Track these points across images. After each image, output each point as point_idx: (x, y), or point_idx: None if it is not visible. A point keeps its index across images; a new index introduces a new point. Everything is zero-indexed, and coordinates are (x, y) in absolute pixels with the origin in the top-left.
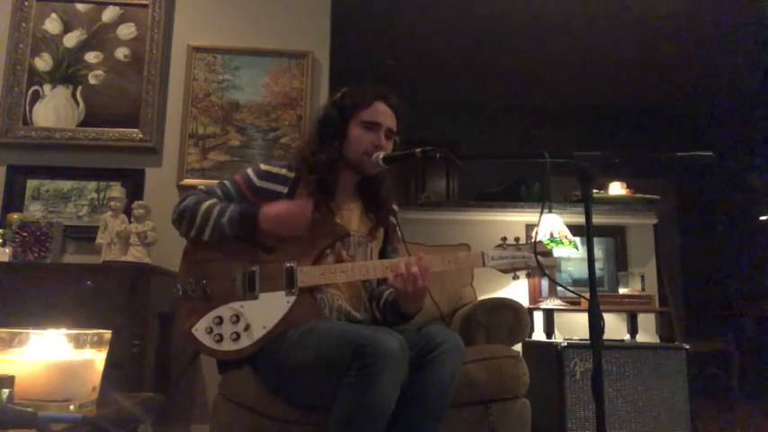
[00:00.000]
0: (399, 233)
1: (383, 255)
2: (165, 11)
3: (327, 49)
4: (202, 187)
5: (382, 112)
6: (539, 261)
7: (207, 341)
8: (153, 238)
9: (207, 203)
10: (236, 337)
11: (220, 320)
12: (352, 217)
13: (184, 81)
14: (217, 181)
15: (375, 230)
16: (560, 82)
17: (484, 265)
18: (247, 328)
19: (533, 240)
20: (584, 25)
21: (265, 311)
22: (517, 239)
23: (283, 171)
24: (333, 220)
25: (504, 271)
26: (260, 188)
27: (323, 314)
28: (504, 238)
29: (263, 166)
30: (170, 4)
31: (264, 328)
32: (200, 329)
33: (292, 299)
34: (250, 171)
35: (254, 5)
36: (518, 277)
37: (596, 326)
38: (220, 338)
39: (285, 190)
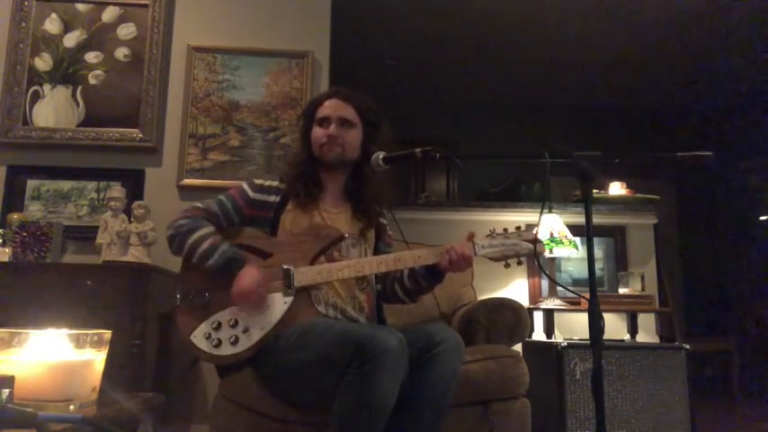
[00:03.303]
0: (391, 232)
1: (376, 252)
2: (165, 11)
3: (327, 49)
4: (199, 204)
5: (330, 106)
6: (535, 249)
7: (205, 346)
8: (153, 238)
9: (196, 236)
10: (235, 340)
11: (219, 325)
12: (342, 220)
13: (184, 81)
14: (219, 183)
15: (366, 231)
16: (560, 82)
17: (475, 253)
18: (246, 330)
19: (522, 229)
20: (585, 25)
21: (264, 314)
22: (505, 229)
23: (275, 183)
24: (327, 224)
25: (495, 259)
26: (254, 200)
27: (319, 311)
28: (493, 229)
29: (256, 181)
30: (170, 4)
31: (263, 329)
32: (198, 335)
33: (290, 300)
34: (245, 185)
35: (254, 5)
36: (509, 265)
37: (596, 326)
38: (219, 343)
39: (278, 199)
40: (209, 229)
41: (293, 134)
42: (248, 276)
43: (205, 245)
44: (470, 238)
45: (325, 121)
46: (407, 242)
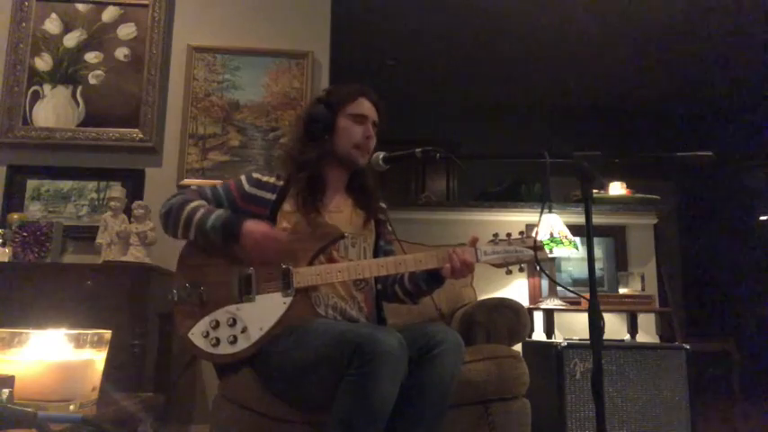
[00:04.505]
0: (390, 228)
1: (376, 252)
2: (165, 11)
3: (327, 49)
4: (194, 188)
5: (367, 106)
6: (536, 256)
7: (203, 345)
8: (153, 238)
9: (191, 205)
10: (233, 339)
11: (217, 324)
12: (343, 217)
13: (184, 81)
14: (219, 183)
15: (368, 223)
16: (560, 82)
17: (477, 260)
18: (244, 330)
19: (525, 235)
20: (585, 25)
21: (262, 313)
22: (509, 235)
23: (272, 179)
24: (327, 223)
25: (498, 266)
26: (249, 194)
27: (319, 313)
28: (496, 234)
29: (254, 174)
30: (170, 4)
31: (261, 329)
32: (196, 333)
33: (289, 300)
34: (243, 177)
35: (254, 5)
36: (511, 272)
37: (596, 326)
38: (217, 342)
39: (273, 197)
40: (201, 201)
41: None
42: (252, 234)
43: (200, 212)
44: (473, 243)
45: (362, 119)
46: (401, 240)
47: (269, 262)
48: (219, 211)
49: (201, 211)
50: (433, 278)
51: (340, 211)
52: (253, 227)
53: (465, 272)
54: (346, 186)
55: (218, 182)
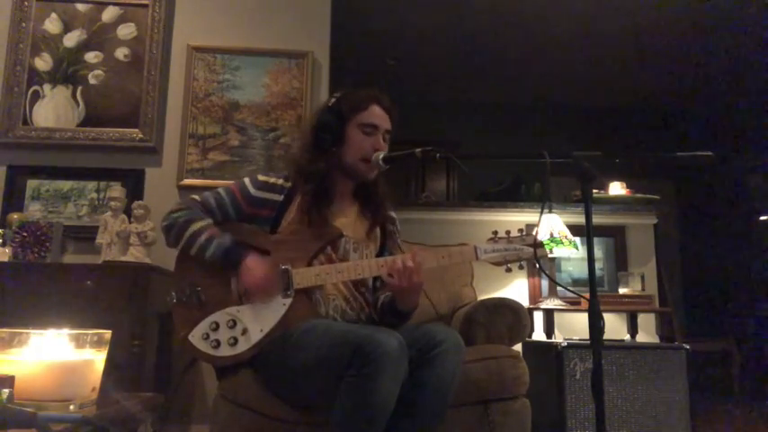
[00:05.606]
0: (398, 242)
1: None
2: (165, 11)
3: (327, 49)
4: (196, 196)
5: (379, 115)
6: (536, 253)
7: (203, 347)
8: (153, 238)
9: (195, 227)
10: (234, 341)
11: (217, 326)
12: (347, 222)
13: (184, 81)
14: (220, 183)
15: (371, 232)
16: (560, 82)
17: (477, 258)
18: (245, 332)
19: (524, 233)
20: (584, 25)
21: (262, 315)
22: (508, 232)
23: (280, 181)
24: (325, 223)
25: (498, 264)
26: (256, 198)
27: (320, 314)
28: (495, 232)
29: (260, 177)
30: (170, 4)
31: (262, 331)
32: (196, 336)
33: (289, 301)
34: (247, 180)
35: (254, 5)
36: (511, 270)
37: (596, 326)
38: (218, 344)
39: (281, 198)
40: (207, 220)
41: (293, 134)
42: (251, 272)
43: (203, 237)
44: (413, 257)
45: (373, 130)
46: (407, 242)
47: (252, 297)
48: (221, 239)
49: (203, 236)
50: (395, 313)
51: (344, 217)
52: (252, 265)
53: (413, 278)
54: (354, 194)
55: (219, 182)
